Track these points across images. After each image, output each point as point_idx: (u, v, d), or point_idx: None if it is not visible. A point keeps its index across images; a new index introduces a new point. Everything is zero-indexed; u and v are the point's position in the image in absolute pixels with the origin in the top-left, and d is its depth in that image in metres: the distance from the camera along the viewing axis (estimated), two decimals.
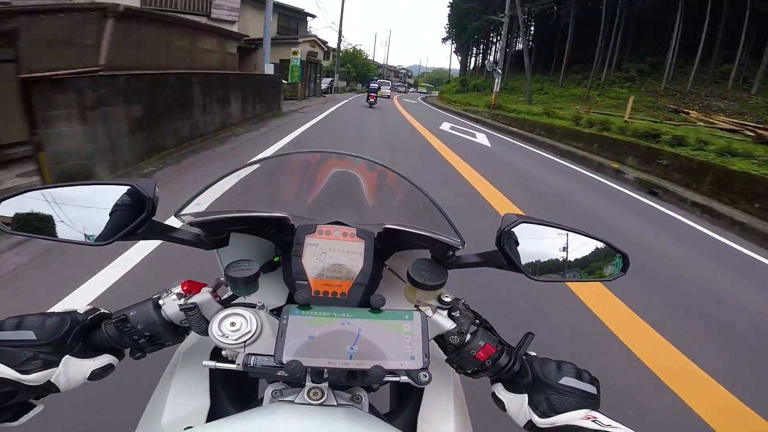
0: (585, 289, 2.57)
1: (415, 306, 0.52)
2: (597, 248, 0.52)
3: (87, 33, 4.58)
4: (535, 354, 0.51)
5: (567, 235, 0.52)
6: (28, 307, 0.50)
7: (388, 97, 30.24)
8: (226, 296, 0.51)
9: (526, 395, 0.47)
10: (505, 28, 22.45)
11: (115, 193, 0.46)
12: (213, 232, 0.57)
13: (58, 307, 0.51)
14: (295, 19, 21.62)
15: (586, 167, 7.81)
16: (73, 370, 0.43)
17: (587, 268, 0.52)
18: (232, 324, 0.46)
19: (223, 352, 0.47)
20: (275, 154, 0.73)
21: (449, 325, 0.51)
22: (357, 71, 43.10)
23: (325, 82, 30.48)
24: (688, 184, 5.94)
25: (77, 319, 0.45)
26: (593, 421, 0.41)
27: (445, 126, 12.77)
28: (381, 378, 0.41)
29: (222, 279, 0.52)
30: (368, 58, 49.93)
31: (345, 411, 0.42)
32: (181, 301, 0.48)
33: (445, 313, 0.53)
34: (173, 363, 0.59)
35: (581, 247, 0.52)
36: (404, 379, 0.44)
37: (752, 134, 10.93)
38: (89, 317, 0.46)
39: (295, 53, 16.46)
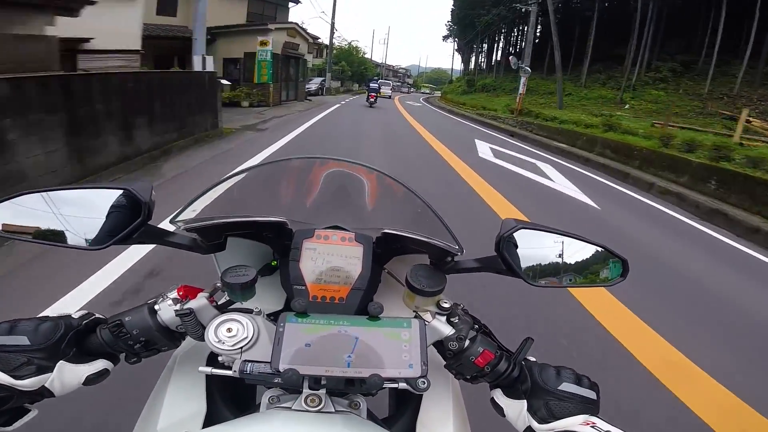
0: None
1: (414, 311, 0.53)
2: (596, 253, 0.52)
3: None
4: (534, 359, 0.51)
5: (566, 240, 0.51)
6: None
7: (390, 97, 29.29)
8: (222, 301, 0.51)
9: (525, 401, 0.47)
10: (533, 16, 18.15)
11: (110, 196, 0.46)
12: (210, 236, 0.56)
13: (52, 312, 0.48)
14: (273, 4, 17.16)
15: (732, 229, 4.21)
16: (67, 375, 0.43)
17: (587, 273, 0.52)
18: (229, 330, 0.45)
19: (220, 358, 0.46)
20: (272, 159, 0.73)
21: (448, 330, 0.51)
22: (353, 70, 38.64)
23: (314, 83, 26.17)
24: None
25: (71, 323, 0.44)
26: (592, 426, 0.42)
27: (483, 148, 8.42)
28: (379, 386, 0.41)
29: (219, 284, 0.50)
30: (365, 56, 45.55)
31: (342, 418, 0.42)
32: (177, 307, 0.48)
33: (444, 318, 0.52)
34: (169, 368, 0.58)
35: (580, 252, 0.51)
36: (402, 385, 0.44)
37: None
38: (84, 322, 0.46)
39: (263, 44, 12.09)
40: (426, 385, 0.43)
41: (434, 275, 0.53)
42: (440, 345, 0.51)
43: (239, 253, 0.67)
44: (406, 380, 0.43)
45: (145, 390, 0.58)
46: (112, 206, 0.45)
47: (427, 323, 0.50)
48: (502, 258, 0.47)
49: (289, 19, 17.80)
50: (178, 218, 0.55)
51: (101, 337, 0.45)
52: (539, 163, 7.15)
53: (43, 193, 0.46)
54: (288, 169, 0.80)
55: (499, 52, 41.91)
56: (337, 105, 16.94)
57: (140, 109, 4.79)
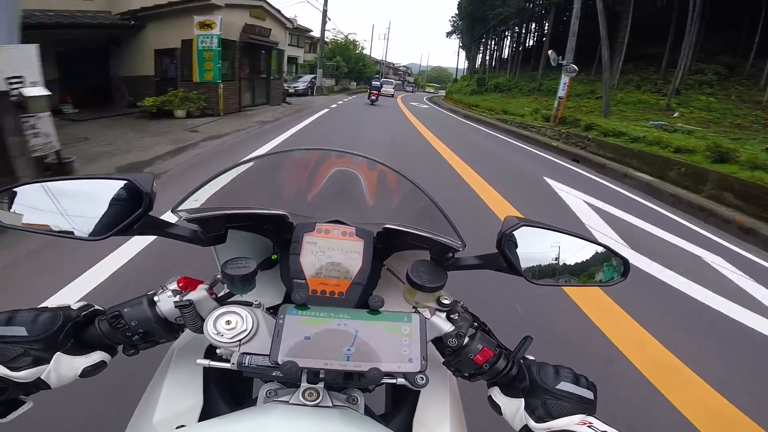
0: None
1: (414, 307, 0.52)
2: (597, 253, 0.52)
3: None
4: (533, 358, 0.50)
5: (567, 239, 0.51)
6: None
7: (392, 95, 28.43)
8: (222, 294, 0.50)
9: (522, 399, 0.46)
10: (577, 2, 14.24)
11: (111, 187, 0.45)
12: (210, 228, 0.56)
13: (51, 303, 0.47)
14: None
15: None
16: (64, 367, 0.42)
17: (587, 272, 0.52)
18: (228, 322, 0.45)
19: (218, 351, 0.46)
20: (274, 150, 0.74)
21: (447, 327, 0.50)
22: (350, 66, 34.60)
23: (303, 81, 22.21)
24: None
25: (70, 315, 0.44)
26: (589, 426, 0.41)
27: (575, 203, 4.44)
28: (378, 380, 0.40)
29: (219, 276, 0.50)
30: (364, 51, 41.40)
31: (340, 412, 0.42)
32: (177, 298, 0.47)
33: (444, 315, 0.52)
34: (167, 360, 0.58)
35: (582, 251, 0.51)
36: (401, 381, 0.44)
37: None
38: (82, 313, 0.45)
39: (205, 26, 8.17)
40: (425, 381, 0.43)
41: (435, 271, 0.52)
42: (439, 341, 0.51)
43: (240, 247, 0.66)
44: (405, 375, 0.43)
45: (142, 382, 0.57)
46: (114, 197, 0.45)
47: (426, 319, 0.49)
48: (504, 255, 0.47)
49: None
50: (180, 208, 0.55)
51: (99, 328, 0.45)
52: (716, 263, 3.30)
53: (44, 184, 0.45)
54: (290, 162, 0.79)
55: (509, 48, 37.86)
56: (324, 111, 13.01)
57: None
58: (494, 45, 42.22)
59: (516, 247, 0.47)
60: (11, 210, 0.44)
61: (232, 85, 9.47)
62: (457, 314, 0.51)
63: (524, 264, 0.48)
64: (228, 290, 0.49)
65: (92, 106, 8.05)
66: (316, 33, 27.09)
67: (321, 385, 0.43)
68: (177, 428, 0.46)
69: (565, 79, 13.66)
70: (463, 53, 54.86)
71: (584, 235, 0.51)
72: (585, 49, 25.32)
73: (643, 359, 1.95)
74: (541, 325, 2.13)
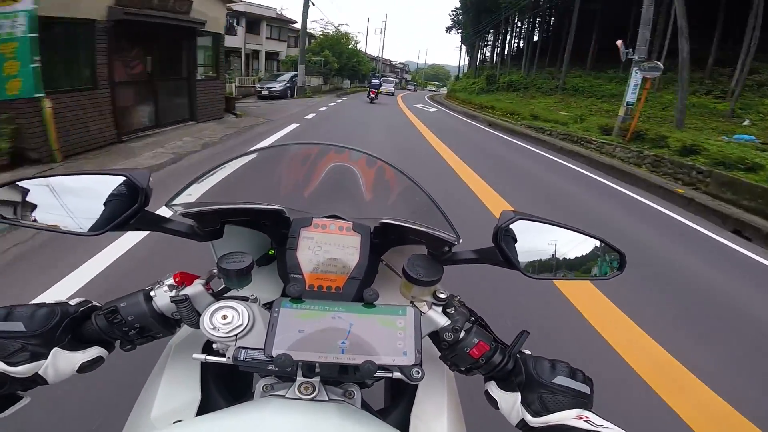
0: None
1: (411, 302, 0.52)
2: (595, 247, 0.52)
3: None
4: (529, 352, 0.50)
5: (564, 233, 0.50)
6: None
7: (392, 94, 28.39)
8: (218, 289, 0.51)
9: (519, 394, 0.46)
10: None
11: (109, 183, 0.46)
12: (207, 223, 0.56)
13: (48, 298, 0.47)
14: None
15: None
16: (61, 362, 0.42)
17: (584, 266, 0.51)
18: (224, 317, 0.45)
19: (214, 346, 0.46)
20: (272, 144, 0.69)
21: (444, 321, 0.50)
22: (342, 63, 30.00)
23: (282, 81, 17.66)
24: None
25: (67, 310, 0.44)
26: (585, 420, 0.41)
27: None
28: (372, 373, 0.40)
29: (215, 271, 0.50)
30: (358, 46, 36.81)
31: (336, 406, 0.42)
32: (173, 293, 0.47)
33: (440, 309, 0.52)
34: (164, 355, 0.58)
35: (579, 245, 0.51)
36: (397, 375, 0.44)
37: None
38: (80, 309, 0.45)
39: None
40: (420, 375, 0.42)
41: (431, 265, 0.52)
42: (436, 336, 0.51)
43: (237, 242, 0.66)
44: (400, 369, 0.43)
45: (140, 377, 0.57)
46: (111, 193, 0.45)
47: (423, 313, 0.49)
48: (500, 249, 0.47)
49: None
50: (174, 202, 0.54)
51: (96, 323, 0.45)
52: None
53: (41, 180, 0.46)
54: (287, 156, 0.79)
55: (523, 41, 33.38)
56: (293, 126, 8.64)
57: None
58: (502, 39, 37.70)
59: (513, 241, 0.47)
60: (7, 205, 0.44)
61: (90, 96, 5.03)
62: (453, 308, 0.51)
63: (521, 258, 0.48)
64: (224, 285, 0.50)
65: None
66: (298, 24, 22.55)
67: (317, 379, 0.43)
68: (175, 423, 0.47)
69: (636, 78, 9.39)
70: (464, 49, 50.63)
71: (581, 228, 0.51)
72: (604, 43, 20.95)
73: None
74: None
